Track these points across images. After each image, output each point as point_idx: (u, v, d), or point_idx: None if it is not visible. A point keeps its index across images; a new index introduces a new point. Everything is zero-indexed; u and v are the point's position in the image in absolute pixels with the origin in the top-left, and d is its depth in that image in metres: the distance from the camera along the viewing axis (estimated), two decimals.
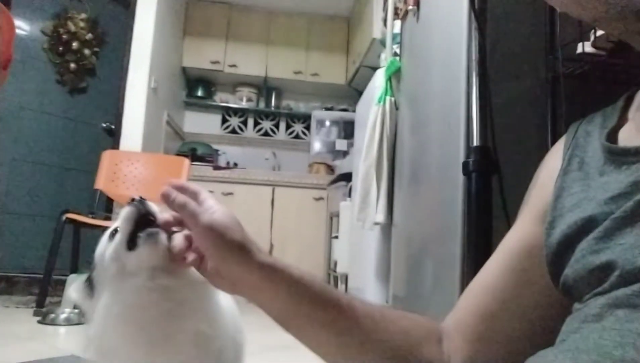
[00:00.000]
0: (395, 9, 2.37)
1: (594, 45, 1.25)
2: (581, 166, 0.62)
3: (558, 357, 0.46)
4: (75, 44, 3.54)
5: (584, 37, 1.29)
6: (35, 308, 2.59)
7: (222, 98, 4.97)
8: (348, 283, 2.88)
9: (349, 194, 3.04)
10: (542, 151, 1.36)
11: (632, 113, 0.61)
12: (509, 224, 1.07)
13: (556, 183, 0.64)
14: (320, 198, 4.19)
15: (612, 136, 0.60)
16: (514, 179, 1.08)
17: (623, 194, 0.52)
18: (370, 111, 2.13)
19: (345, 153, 4.39)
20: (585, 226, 0.55)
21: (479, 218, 0.99)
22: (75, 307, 2.56)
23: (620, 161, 0.56)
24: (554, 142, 1.41)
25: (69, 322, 2.42)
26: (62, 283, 2.74)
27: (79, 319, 2.48)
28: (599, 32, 1.21)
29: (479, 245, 0.99)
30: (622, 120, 0.61)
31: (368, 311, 0.63)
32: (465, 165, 1.01)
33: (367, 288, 2.24)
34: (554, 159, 0.68)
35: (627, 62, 1.32)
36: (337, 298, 0.61)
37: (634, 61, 1.32)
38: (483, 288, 0.65)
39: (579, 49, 1.30)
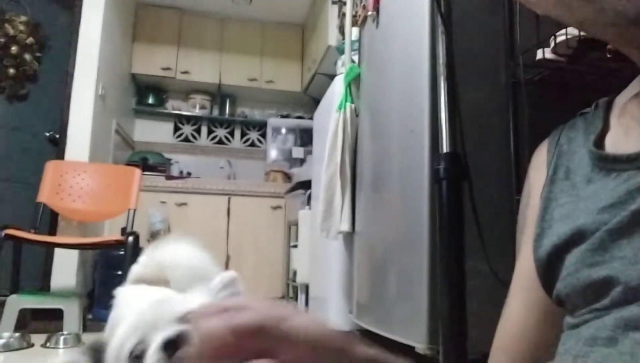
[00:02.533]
0: (353, 15, 2.35)
1: (554, 51, 1.27)
2: (568, 175, 0.60)
3: None
4: (14, 49, 3.33)
5: (543, 44, 1.31)
6: None
7: (174, 106, 4.83)
8: (309, 293, 2.83)
9: (308, 203, 2.99)
10: (505, 157, 1.36)
11: (614, 119, 0.59)
12: (479, 229, 1.06)
13: (542, 193, 0.62)
14: (278, 207, 4.12)
15: (598, 143, 0.58)
16: (479, 185, 1.07)
17: (616, 203, 0.49)
18: (331, 118, 2.09)
19: (302, 161, 4.35)
20: (576, 237, 0.52)
21: (450, 224, 0.96)
22: (17, 330, 2.38)
23: (610, 169, 0.54)
24: (516, 147, 1.42)
25: (8, 348, 2.23)
26: (1, 305, 2.54)
27: (20, 344, 2.30)
28: (559, 39, 1.23)
29: (451, 251, 0.96)
30: (605, 126, 0.59)
31: None
32: (436, 172, 0.98)
33: (329, 298, 2.19)
34: (539, 170, 0.65)
35: (584, 70, 1.35)
36: None
37: (590, 69, 1.35)
38: (517, 338, 0.62)
39: (539, 55, 1.32)
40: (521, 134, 1.37)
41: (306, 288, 2.94)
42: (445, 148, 1.00)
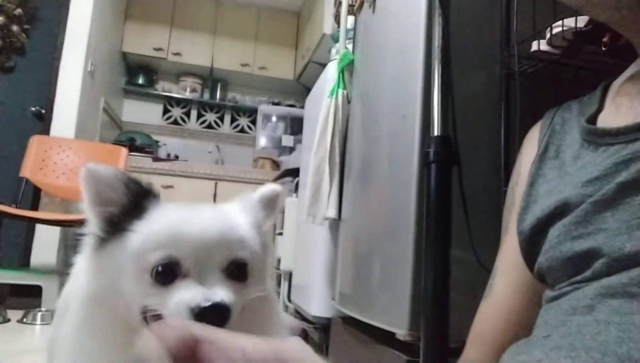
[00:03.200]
0: (350, 5, 2.32)
1: (549, 43, 1.26)
2: (558, 154, 0.59)
3: (549, 355, 0.42)
4: (1, 19, 3.26)
5: (538, 35, 1.30)
6: None
7: (164, 87, 4.77)
8: (292, 280, 2.82)
9: (295, 190, 2.98)
10: (495, 147, 1.36)
11: (609, 100, 0.59)
12: (467, 216, 1.05)
13: (531, 170, 0.61)
14: None
15: (591, 121, 0.57)
16: (468, 173, 1.07)
17: (602, 176, 0.49)
18: (322, 104, 2.07)
19: (291, 149, 4.32)
20: (559, 210, 0.52)
21: (438, 210, 0.95)
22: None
23: (599, 143, 0.53)
24: (506, 138, 1.42)
25: None
26: None
27: (3, 318, 2.26)
28: (555, 30, 1.22)
29: (437, 237, 0.95)
30: (601, 107, 0.59)
31: None
32: (425, 155, 0.97)
33: (312, 285, 2.18)
34: (530, 149, 0.65)
35: (578, 64, 1.35)
36: None
37: (584, 63, 1.35)
38: (502, 315, 0.61)
39: (534, 47, 1.30)
40: (512, 126, 1.36)
41: (289, 275, 2.93)
42: (436, 131, 0.99)
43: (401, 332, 1.24)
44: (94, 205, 0.52)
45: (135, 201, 0.51)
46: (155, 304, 0.46)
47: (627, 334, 0.37)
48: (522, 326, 0.57)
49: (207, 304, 0.43)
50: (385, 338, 1.35)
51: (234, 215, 0.54)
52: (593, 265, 0.45)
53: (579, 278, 0.47)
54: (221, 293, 0.45)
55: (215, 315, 0.43)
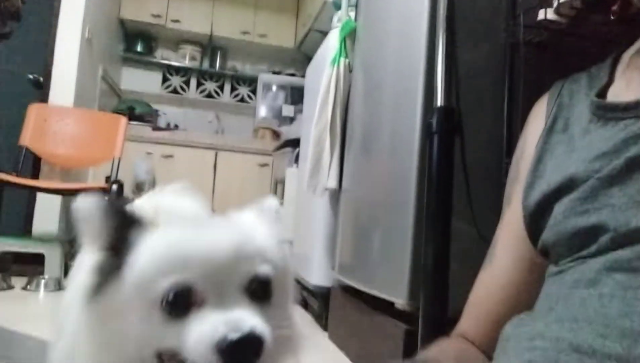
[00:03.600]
0: None
1: (556, 11, 1.23)
2: (566, 128, 0.58)
3: (551, 327, 0.42)
4: None
5: (545, 3, 1.27)
6: None
7: (163, 55, 4.70)
8: (292, 249, 2.84)
9: (295, 161, 2.97)
10: (498, 119, 1.35)
11: (619, 73, 0.58)
12: (468, 188, 1.05)
13: (538, 144, 0.61)
14: (265, 164, 4.09)
15: (601, 95, 0.56)
16: (470, 145, 1.06)
17: (611, 152, 0.48)
18: (324, 73, 2.05)
19: (292, 119, 4.29)
20: (566, 185, 0.51)
21: (439, 181, 0.95)
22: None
23: (608, 118, 0.52)
24: (509, 110, 1.40)
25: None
26: None
27: (1, 286, 2.29)
28: None
29: (438, 208, 0.96)
30: (610, 80, 0.58)
31: None
32: (428, 126, 0.96)
33: (312, 255, 2.20)
34: (537, 122, 0.64)
35: (585, 34, 1.32)
36: None
37: (591, 33, 1.32)
38: (500, 285, 0.61)
39: (540, 15, 1.28)
40: (516, 97, 1.35)
41: (290, 244, 2.95)
42: (439, 101, 0.98)
43: (400, 302, 1.25)
44: (87, 243, 0.44)
45: (122, 231, 0.42)
46: (171, 345, 0.38)
47: (631, 308, 0.38)
48: (520, 299, 0.57)
49: (236, 336, 0.36)
50: (384, 307, 1.37)
51: (250, 224, 0.46)
52: (598, 240, 0.45)
53: (584, 253, 0.46)
54: (250, 319, 0.38)
55: (247, 349, 0.36)
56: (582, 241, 0.47)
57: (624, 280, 0.40)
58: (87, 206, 0.42)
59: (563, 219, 0.50)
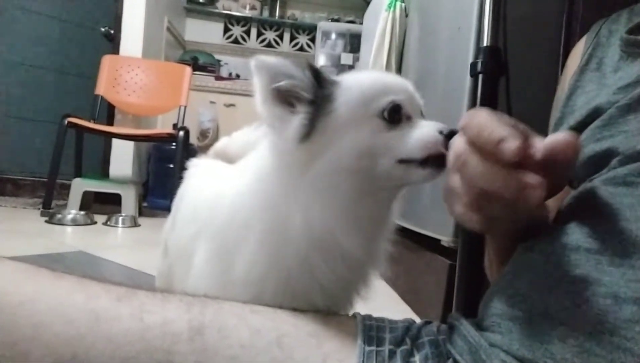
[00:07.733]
0: None
1: None
2: (599, 66, 0.60)
3: (574, 233, 0.45)
4: None
5: None
6: (42, 209, 2.66)
7: (224, 5, 4.77)
8: None
9: None
10: (551, 60, 1.32)
11: None
12: None
13: (570, 81, 0.62)
14: None
15: (635, 31, 0.57)
16: (518, 86, 1.06)
17: (633, 83, 0.50)
18: (380, 18, 2.04)
19: (350, 67, 4.28)
20: (590, 117, 0.54)
21: None
22: (81, 209, 2.62)
23: (637, 53, 0.54)
24: (567, 44, 1.36)
25: (75, 223, 2.49)
26: (67, 187, 2.79)
27: (85, 220, 2.55)
28: None
29: None
30: None
31: None
32: (473, 66, 0.98)
33: None
34: (574, 61, 0.65)
35: None
36: None
37: None
38: None
39: None
40: (573, 40, 1.31)
41: None
42: (485, 41, 0.98)
43: (446, 239, 1.31)
44: (274, 97, 0.52)
45: (316, 78, 0.51)
46: (392, 146, 0.49)
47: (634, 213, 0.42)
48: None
49: (448, 129, 0.49)
50: (431, 245, 1.43)
51: None
52: (610, 163, 0.48)
53: (596, 176, 0.50)
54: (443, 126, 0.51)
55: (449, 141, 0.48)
56: (596, 165, 0.50)
57: (616, 191, 0.43)
58: (280, 61, 0.53)
59: (582, 147, 0.53)
